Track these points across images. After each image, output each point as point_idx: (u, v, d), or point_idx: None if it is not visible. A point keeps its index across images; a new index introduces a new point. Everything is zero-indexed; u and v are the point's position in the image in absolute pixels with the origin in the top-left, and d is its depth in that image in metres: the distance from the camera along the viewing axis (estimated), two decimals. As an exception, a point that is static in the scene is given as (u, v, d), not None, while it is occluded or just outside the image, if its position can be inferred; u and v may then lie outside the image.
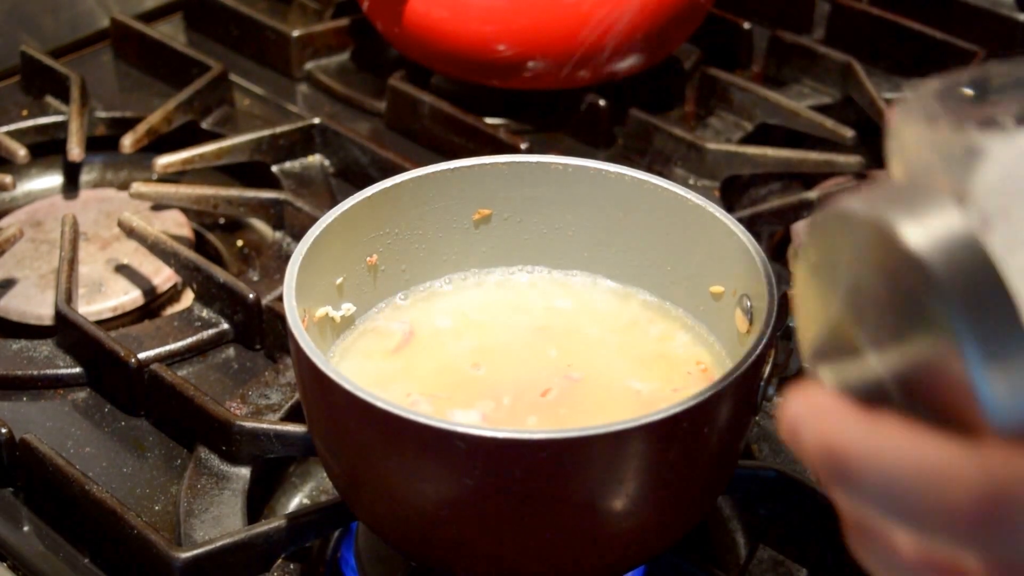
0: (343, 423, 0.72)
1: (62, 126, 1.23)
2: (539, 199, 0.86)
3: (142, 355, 0.97)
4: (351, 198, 0.82)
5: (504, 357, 0.81)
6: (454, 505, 0.71)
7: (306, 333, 0.72)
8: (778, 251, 1.17)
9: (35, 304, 1.06)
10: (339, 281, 0.82)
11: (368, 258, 0.84)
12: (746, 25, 1.35)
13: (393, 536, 0.77)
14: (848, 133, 1.19)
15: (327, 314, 0.82)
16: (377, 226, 0.84)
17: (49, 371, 0.98)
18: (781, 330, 0.75)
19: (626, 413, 0.67)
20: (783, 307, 0.74)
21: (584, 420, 0.74)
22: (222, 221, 1.19)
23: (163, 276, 1.09)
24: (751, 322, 0.78)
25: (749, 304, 0.78)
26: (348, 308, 0.83)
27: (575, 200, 0.85)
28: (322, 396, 0.72)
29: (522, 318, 0.85)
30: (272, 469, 0.93)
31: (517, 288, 0.87)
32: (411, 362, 0.81)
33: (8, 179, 1.14)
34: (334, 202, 1.15)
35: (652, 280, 0.86)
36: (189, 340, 1.01)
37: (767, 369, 0.75)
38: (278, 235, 1.12)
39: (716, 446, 0.73)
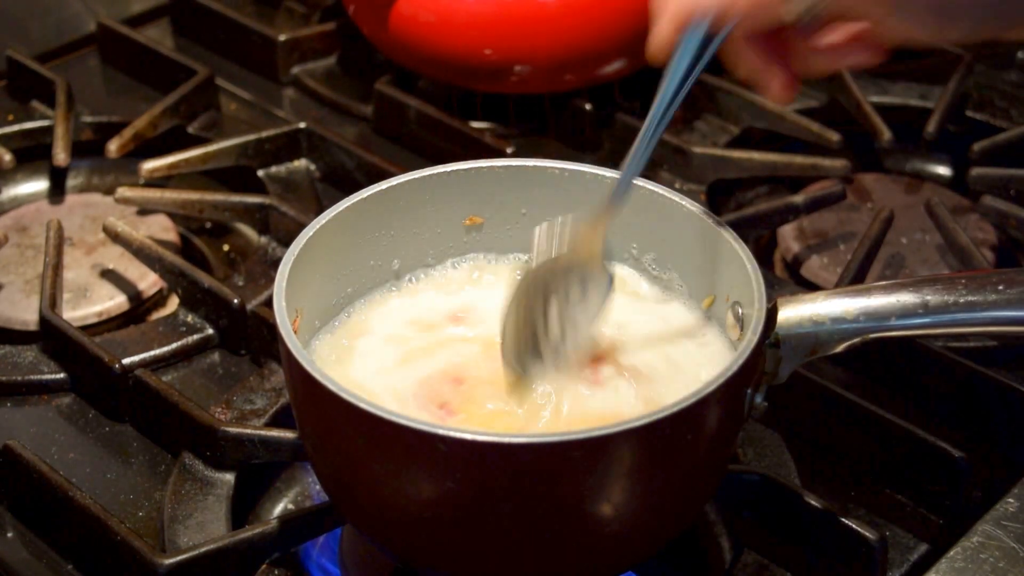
0: (329, 424, 0.72)
1: (48, 131, 1.23)
2: (533, 203, 0.85)
3: (126, 360, 0.97)
4: (344, 200, 0.82)
5: (497, 359, 0.81)
6: (437, 507, 0.71)
7: (295, 335, 0.72)
8: (764, 255, 1.17)
9: (20, 309, 1.06)
10: (331, 283, 0.82)
11: (361, 260, 0.84)
12: (733, 29, 1.35)
13: (379, 536, 0.77)
14: (834, 136, 1.20)
15: (317, 315, 0.81)
16: (370, 229, 0.84)
17: (33, 377, 0.98)
18: (770, 338, 0.74)
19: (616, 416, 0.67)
20: (772, 315, 0.74)
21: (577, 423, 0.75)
22: (208, 225, 1.19)
23: (148, 281, 1.09)
24: (742, 329, 0.78)
25: (740, 311, 0.78)
26: (340, 309, 0.83)
27: (569, 204, 0.85)
28: (309, 397, 0.72)
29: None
30: (257, 475, 0.93)
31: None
32: (409, 361, 0.81)
33: (-7, 184, 1.14)
34: (320, 206, 1.15)
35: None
36: (174, 345, 1.01)
37: (755, 377, 0.75)
38: (263, 240, 1.12)
39: (701, 453, 0.73)
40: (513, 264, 0.87)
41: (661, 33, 0.78)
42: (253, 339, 1.01)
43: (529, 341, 0.77)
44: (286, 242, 1.08)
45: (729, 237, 0.79)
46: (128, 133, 1.19)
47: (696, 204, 0.81)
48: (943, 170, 1.28)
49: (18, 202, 1.22)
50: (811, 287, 1.10)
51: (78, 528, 0.84)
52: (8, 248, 1.11)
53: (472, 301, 0.85)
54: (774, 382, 0.76)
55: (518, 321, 0.76)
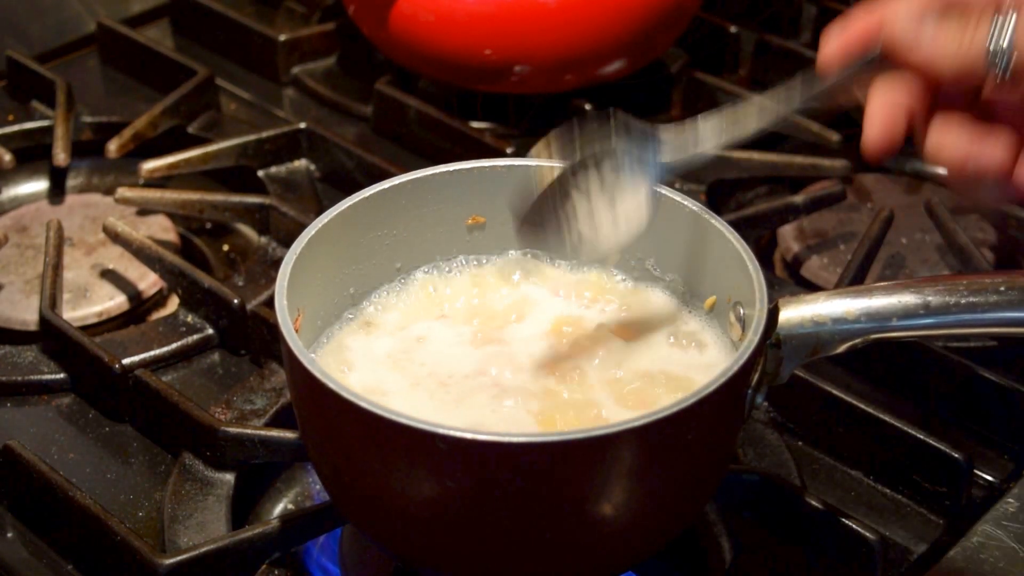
0: (331, 424, 0.72)
1: (48, 131, 1.23)
2: None
3: (126, 360, 0.97)
4: (345, 200, 0.82)
5: (503, 356, 0.81)
6: (437, 507, 0.71)
7: (296, 334, 0.72)
8: (764, 255, 1.17)
9: (20, 309, 1.06)
10: (332, 283, 0.82)
11: (362, 260, 0.84)
12: (733, 29, 1.35)
13: (379, 536, 0.77)
14: (834, 137, 1.20)
15: (318, 315, 0.81)
16: (371, 228, 0.83)
17: (33, 377, 0.98)
18: (771, 338, 0.74)
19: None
20: (773, 316, 0.74)
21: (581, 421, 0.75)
22: (208, 225, 1.19)
23: (148, 281, 1.09)
24: (743, 329, 0.78)
25: (742, 312, 0.78)
26: (341, 309, 0.83)
27: None
28: (311, 397, 0.72)
29: (518, 314, 0.84)
30: (257, 475, 0.93)
31: (513, 290, 0.87)
32: (410, 361, 0.81)
33: (-7, 184, 1.14)
34: (320, 207, 1.15)
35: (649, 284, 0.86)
36: (174, 345, 1.01)
37: (755, 377, 0.75)
38: (264, 240, 1.12)
39: (702, 453, 0.73)
40: (513, 264, 0.87)
41: (834, 47, 0.79)
42: (253, 339, 1.01)
43: (556, 217, 0.77)
44: (286, 242, 1.08)
45: (730, 237, 0.79)
46: (128, 133, 1.19)
47: (696, 204, 0.81)
48: (943, 170, 1.28)
49: (18, 202, 1.22)
50: (811, 287, 1.10)
51: (78, 528, 0.84)
52: (8, 248, 1.11)
53: (474, 300, 0.86)
54: (775, 382, 0.76)
55: (554, 195, 0.76)
